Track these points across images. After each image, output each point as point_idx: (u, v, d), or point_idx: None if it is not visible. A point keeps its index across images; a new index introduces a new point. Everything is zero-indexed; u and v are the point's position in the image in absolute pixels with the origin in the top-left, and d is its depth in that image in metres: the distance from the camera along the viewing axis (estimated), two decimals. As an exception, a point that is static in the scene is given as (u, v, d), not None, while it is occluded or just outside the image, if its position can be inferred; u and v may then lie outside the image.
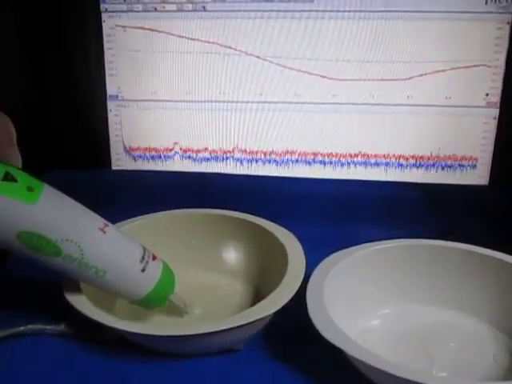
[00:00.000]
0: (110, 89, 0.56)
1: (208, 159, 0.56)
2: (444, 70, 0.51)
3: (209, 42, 0.53)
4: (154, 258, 0.34)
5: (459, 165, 0.53)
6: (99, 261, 0.32)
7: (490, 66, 0.50)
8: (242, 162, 0.56)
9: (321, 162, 0.55)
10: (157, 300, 0.35)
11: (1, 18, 0.53)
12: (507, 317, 0.34)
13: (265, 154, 0.55)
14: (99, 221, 0.32)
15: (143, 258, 0.33)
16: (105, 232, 0.32)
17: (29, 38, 0.54)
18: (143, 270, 0.33)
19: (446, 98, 0.52)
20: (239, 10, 0.52)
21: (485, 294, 0.36)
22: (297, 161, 0.55)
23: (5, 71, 0.54)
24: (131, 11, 0.53)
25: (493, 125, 0.52)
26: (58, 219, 0.30)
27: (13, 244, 0.29)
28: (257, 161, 0.56)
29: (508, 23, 0.49)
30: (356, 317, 0.34)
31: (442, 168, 0.54)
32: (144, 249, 0.34)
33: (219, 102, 0.55)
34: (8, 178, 0.29)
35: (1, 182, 0.28)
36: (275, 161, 0.56)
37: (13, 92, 0.55)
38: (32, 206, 0.29)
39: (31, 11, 0.53)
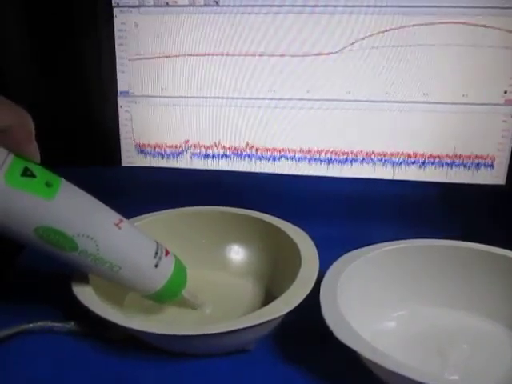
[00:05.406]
0: (121, 85, 0.55)
1: (219, 156, 0.56)
2: (460, 67, 0.50)
3: (221, 38, 0.52)
4: (167, 253, 0.35)
5: (476, 164, 0.53)
6: (114, 256, 0.32)
7: (508, 63, 0.49)
8: (253, 160, 0.55)
9: (335, 160, 0.54)
10: (169, 294, 0.35)
11: (11, 14, 0.53)
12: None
13: (277, 152, 0.55)
14: (114, 216, 0.33)
15: (156, 253, 0.34)
16: (120, 227, 0.32)
17: (39, 33, 0.54)
18: (156, 266, 0.33)
19: (463, 95, 0.51)
20: (253, 5, 0.51)
21: (501, 295, 0.35)
22: (310, 159, 0.55)
23: (15, 67, 0.54)
24: (143, 6, 0.53)
25: (511, 123, 0.51)
26: (75, 215, 0.31)
27: (30, 238, 0.30)
28: (269, 158, 0.55)
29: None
30: (370, 318, 0.34)
31: (458, 167, 0.53)
32: (157, 244, 0.34)
33: (231, 98, 0.54)
34: (27, 173, 0.29)
35: (20, 177, 0.29)
36: (288, 159, 0.55)
37: (23, 88, 0.55)
38: (50, 202, 0.30)
39: (42, 6, 0.53)
